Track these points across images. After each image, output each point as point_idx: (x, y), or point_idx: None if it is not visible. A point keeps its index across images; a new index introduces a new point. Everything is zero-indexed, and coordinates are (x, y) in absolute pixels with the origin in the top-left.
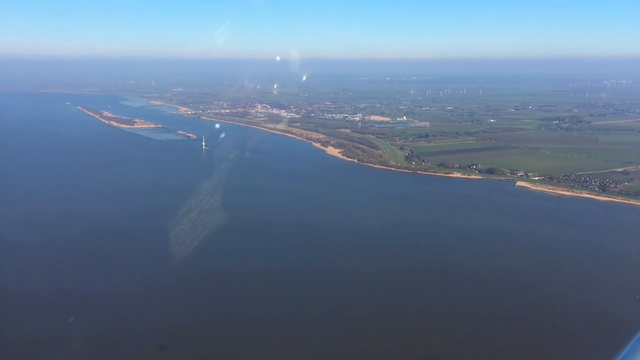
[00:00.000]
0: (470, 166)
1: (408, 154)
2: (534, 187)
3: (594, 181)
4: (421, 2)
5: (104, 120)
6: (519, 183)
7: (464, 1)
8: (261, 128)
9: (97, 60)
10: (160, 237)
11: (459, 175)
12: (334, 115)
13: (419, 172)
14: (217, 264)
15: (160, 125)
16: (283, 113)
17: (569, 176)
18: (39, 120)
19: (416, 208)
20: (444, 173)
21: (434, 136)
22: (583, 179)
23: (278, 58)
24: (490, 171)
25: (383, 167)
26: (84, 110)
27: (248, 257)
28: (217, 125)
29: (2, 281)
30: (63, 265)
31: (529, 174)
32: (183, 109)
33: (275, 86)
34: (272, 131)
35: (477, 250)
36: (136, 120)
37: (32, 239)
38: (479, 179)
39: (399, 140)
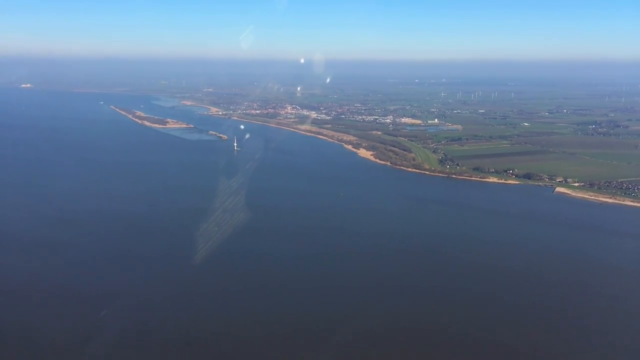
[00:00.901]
0: (506, 171)
1: (441, 158)
2: (574, 194)
3: (637, 188)
4: (448, 4)
5: (136, 119)
6: (559, 189)
7: (492, 3)
8: (292, 129)
9: (128, 60)
10: (195, 237)
11: (495, 180)
12: (364, 117)
13: (454, 176)
14: (252, 269)
15: (191, 126)
16: (313, 114)
17: (610, 183)
18: (73, 120)
19: (457, 215)
20: (480, 177)
21: (467, 139)
22: (625, 185)
23: (302, 60)
24: (528, 176)
25: (417, 170)
26: (116, 109)
27: (284, 262)
28: (248, 126)
29: (41, 278)
30: (96, 263)
31: (568, 179)
32: (214, 109)
33: (302, 87)
34: (303, 132)
35: (535, 263)
36: (168, 120)
37: (67, 238)
38: (516, 184)
39: (432, 143)
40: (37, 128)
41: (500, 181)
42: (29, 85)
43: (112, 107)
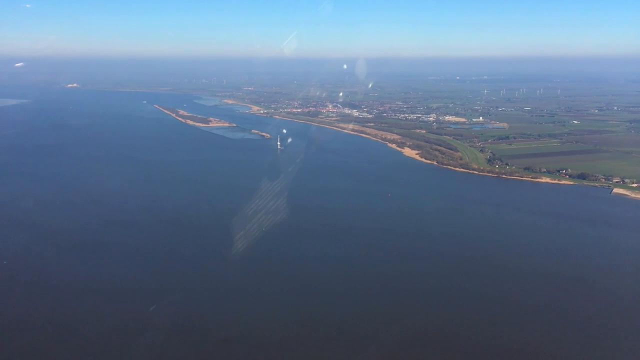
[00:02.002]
0: (559, 171)
1: (489, 157)
2: (633, 195)
3: None
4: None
5: (180, 118)
6: (616, 190)
7: None
8: (334, 128)
9: (169, 60)
10: (241, 237)
11: (548, 180)
12: (406, 115)
13: (504, 176)
14: (297, 269)
15: (234, 124)
16: (355, 113)
17: None
18: (119, 119)
19: (512, 217)
20: (532, 178)
21: (514, 138)
22: None
23: (346, 61)
24: (582, 176)
25: (465, 170)
26: (160, 108)
27: (330, 263)
28: (290, 125)
29: (91, 275)
30: (144, 261)
31: (626, 180)
32: (255, 108)
33: (342, 86)
34: (346, 131)
35: (602, 271)
36: (211, 119)
37: (116, 237)
38: (570, 184)
39: (478, 142)
40: (84, 127)
41: (553, 182)
42: (75, 85)
43: (156, 106)
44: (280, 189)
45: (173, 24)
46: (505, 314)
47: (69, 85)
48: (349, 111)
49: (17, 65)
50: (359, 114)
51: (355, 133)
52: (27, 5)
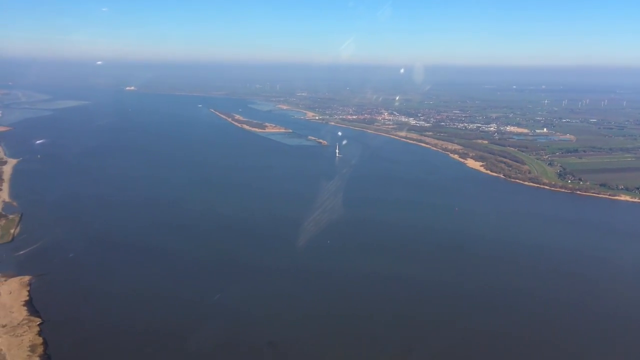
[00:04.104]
0: (638, 188)
1: (560, 171)
2: None
3: None
4: (547, 9)
5: (236, 123)
6: None
7: (590, 5)
8: (391, 136)
9: (223, 65)
10: (301, 246)
11: (627, 198)
12: (465, 124)
13: (578, 192)
14: (361, 290)
15: (290, 130)
16: (411, 121)
17: None
18: (177, 123)
19: (598, 239)
20: (609, 195)
21: (584, 151)
22: None
23: (402, 68)
24: None
25: (534, 184)
26: (216, 112)
27: (392, 279)
28: (346, 132)
29: (146, 282)
30: (200, 268)
31: None
32: (310, 114)
33: (398, 93)
34: (404, 140)
35: None
36: (267, 124)
37: (175, 243)
38: None
39: (545, 155)
40: (144, 131)
41: (634, 200)
42: (133, 87)
43: (212, 110)
44: (342, 200)
45: (233, 31)
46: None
47: (127, 88)
48: (406, 119)
49: (97, 63)
50: (415, 123)
51: (414, 142)
52: (104, 9)
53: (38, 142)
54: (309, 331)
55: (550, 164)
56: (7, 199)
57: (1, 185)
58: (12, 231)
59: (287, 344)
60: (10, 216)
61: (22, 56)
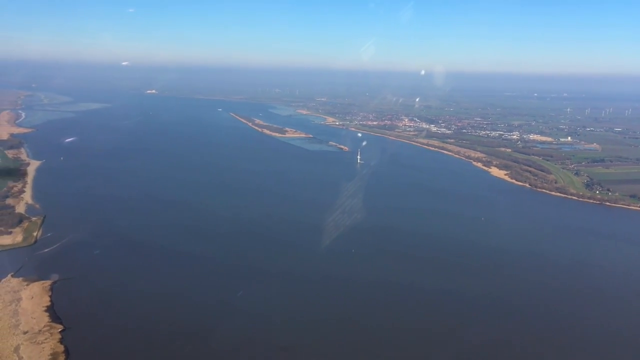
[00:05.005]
0: None
1: (587, 181)
2: None
3: None
4: (567, 14)
5: (256, 127)
6: None
7: (610, 13)
8: (412, 143)
9: (243, 69)
10: (326, 255)
11: None
12: (487, 132)
13: (607, 203)
14: (394, 302)
15: (310, 135)
16: (432, 128)
17: None
18: (196, 125)
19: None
20: None
21: (610, 161)
22: None
23: (423, 72)
24: None
25: (562, 195)
26: (236, 116)
27: (414, 291)
28: (367, 138)
29: (168, 286)
30: (221, 274)
31: None
32: (330, 119)
33: (417, 99)
34: (425, 147)
35: None
36: (287, 129)
37: (201, 249)
38: None
39: (570, 164)
40: (165, 134)
41: None
42: (153, 91)
43: (232, 114)
44: (365, 207)
45: (252, 35)
46: None
47: (148, 91)
48: (426, 125)
49: (124, 64)
50: (437, 129)
51: (436, 149)
52: (130, 10)
53: (61, 143)
54: (325, 337)
55: (576, 174)
56: (30, 201)
57: (24, 187)
58: (34, 234)
59: (301, 349)
60: (34, 218)
61: (46, 59)
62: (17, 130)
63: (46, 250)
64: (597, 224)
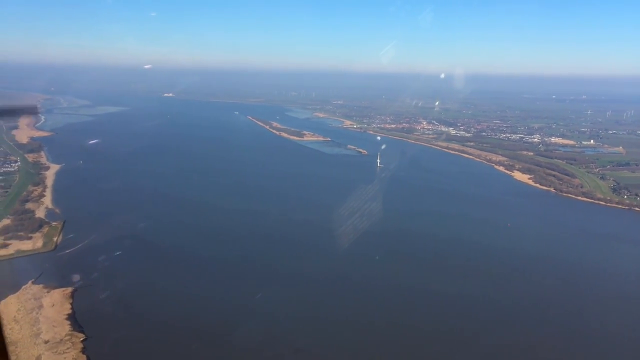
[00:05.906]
0: None
1: (614, 186)
2: None
3: None
4: (584, 15)
5: (274, 131)
6: None
7: (628, 13)
8: (432, 146)
9: (259, 72)
10: (348, 260)
11: None
12: (508, 135)
13: (636, 208)
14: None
15: (328, 139)
16: (451, 131)
17: None
18: (215, 129)
19: None
20: None
21: (636, 165)
22: None
23: (443, 75)
24: None
25: (588, 199)
26: (253, 120)
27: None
28: (386, 141)
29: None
30: (245, 272)
31: None
32: (347, 122)
33: (436, 102)
34: (445, 150)
35: None
36: (305, 132)
37: (222, 252)
38: None
39: (595, 168)
40: (183, 137)
41: None
42: (170, 94)
43: (249, 117)
44: (387, 211)
45: (269, 38)
46: None
47: (165, 95)
48: (445, 129)
49: (146, 67)
50: (456, 132)
51: (457, 152)
52: (152, 14)
53: (80, 146)
54: (341, 339)
55: (602, 178)
56: (50, 205)
57: (44, 192)
58: (55, 239)
59: (315, 350)
60: (54, 223)
61: (69, 63)
62: (36, 133)
63: (66, 255)
64: (627, 230)
